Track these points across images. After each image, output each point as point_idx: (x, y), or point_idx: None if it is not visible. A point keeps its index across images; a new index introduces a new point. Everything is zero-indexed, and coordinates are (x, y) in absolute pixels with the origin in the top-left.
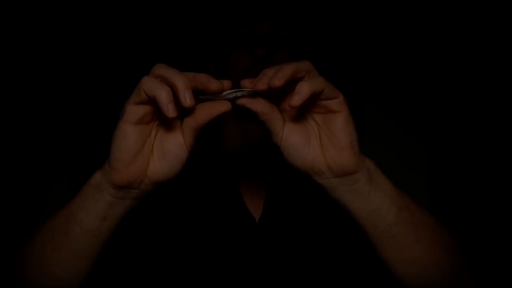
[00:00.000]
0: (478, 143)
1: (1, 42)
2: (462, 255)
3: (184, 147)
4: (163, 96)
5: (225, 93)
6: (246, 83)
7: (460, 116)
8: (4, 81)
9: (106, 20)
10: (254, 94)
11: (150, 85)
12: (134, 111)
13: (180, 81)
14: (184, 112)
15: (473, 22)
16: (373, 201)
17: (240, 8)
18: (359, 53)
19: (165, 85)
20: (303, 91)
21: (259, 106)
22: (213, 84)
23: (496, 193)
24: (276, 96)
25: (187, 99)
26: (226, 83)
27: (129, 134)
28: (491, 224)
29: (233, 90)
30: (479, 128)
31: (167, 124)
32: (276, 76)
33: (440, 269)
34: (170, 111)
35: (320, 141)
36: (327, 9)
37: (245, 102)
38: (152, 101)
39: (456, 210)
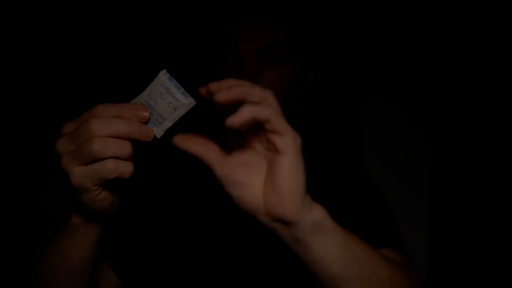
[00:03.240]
0: (479, 141)
1: (1, 41)
2: None
3: None
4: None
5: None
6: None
7: (461, 114)
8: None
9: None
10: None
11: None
12: (96, 189)
13: (130, 130)
14: None
15: (474, 19)
16: (315, 253)
17: (227, 29)
18: (360, 52)
19: (120, 144)
20: (243, 112)
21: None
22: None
23: (496, 192)
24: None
25: (147, 135)
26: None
27: (98, 201)
28: (492, 223)
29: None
30: (481, 126)
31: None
32: (221, 93)
33: None
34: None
35: (264, 182)
36: (321, 11)
37: (179, 143)
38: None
39: (456, 208)
